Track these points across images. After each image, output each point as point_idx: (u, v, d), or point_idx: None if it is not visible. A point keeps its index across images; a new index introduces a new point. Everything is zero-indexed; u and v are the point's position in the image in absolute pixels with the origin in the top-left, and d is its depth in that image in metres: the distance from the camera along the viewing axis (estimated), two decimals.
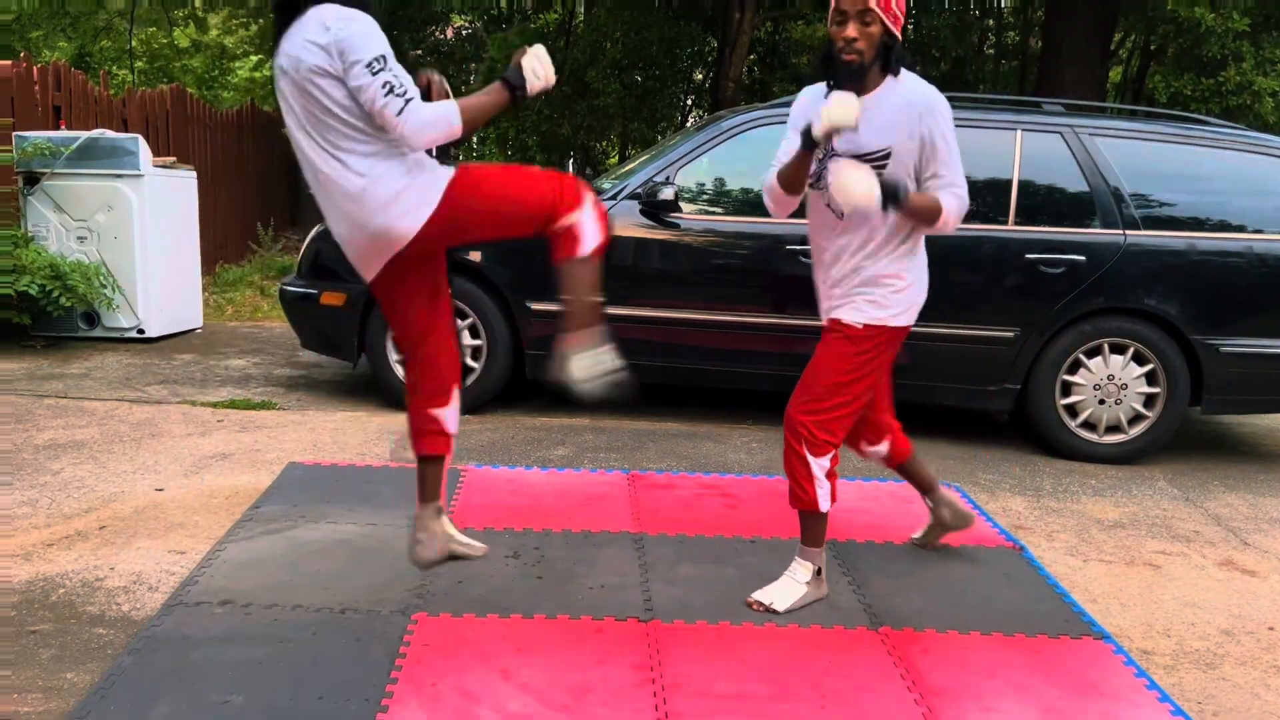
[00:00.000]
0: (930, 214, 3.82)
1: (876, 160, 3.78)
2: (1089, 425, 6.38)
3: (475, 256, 6.41)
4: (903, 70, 3.83)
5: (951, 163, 3.85)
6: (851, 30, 3.66)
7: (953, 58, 19.81)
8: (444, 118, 3.32)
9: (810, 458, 3.90)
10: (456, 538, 4.08)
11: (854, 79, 3.72)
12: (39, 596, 3.83)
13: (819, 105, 3.73)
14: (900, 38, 3.75)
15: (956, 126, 6.47)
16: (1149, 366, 6.28)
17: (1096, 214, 6.30)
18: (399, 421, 6.25)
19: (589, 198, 3.70)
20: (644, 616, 3.86)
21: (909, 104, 3.78)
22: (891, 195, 3.69)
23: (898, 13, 3.70)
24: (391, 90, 3.26)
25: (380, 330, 6.44)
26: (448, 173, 3.50)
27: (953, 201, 3.82)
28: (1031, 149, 6.40)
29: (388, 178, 3.40)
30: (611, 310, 6.40)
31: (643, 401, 7.15)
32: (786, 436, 3.96)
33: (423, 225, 3.45)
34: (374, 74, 3.26)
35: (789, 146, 3.95)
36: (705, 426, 6.71)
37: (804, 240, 6.28)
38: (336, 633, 3.61)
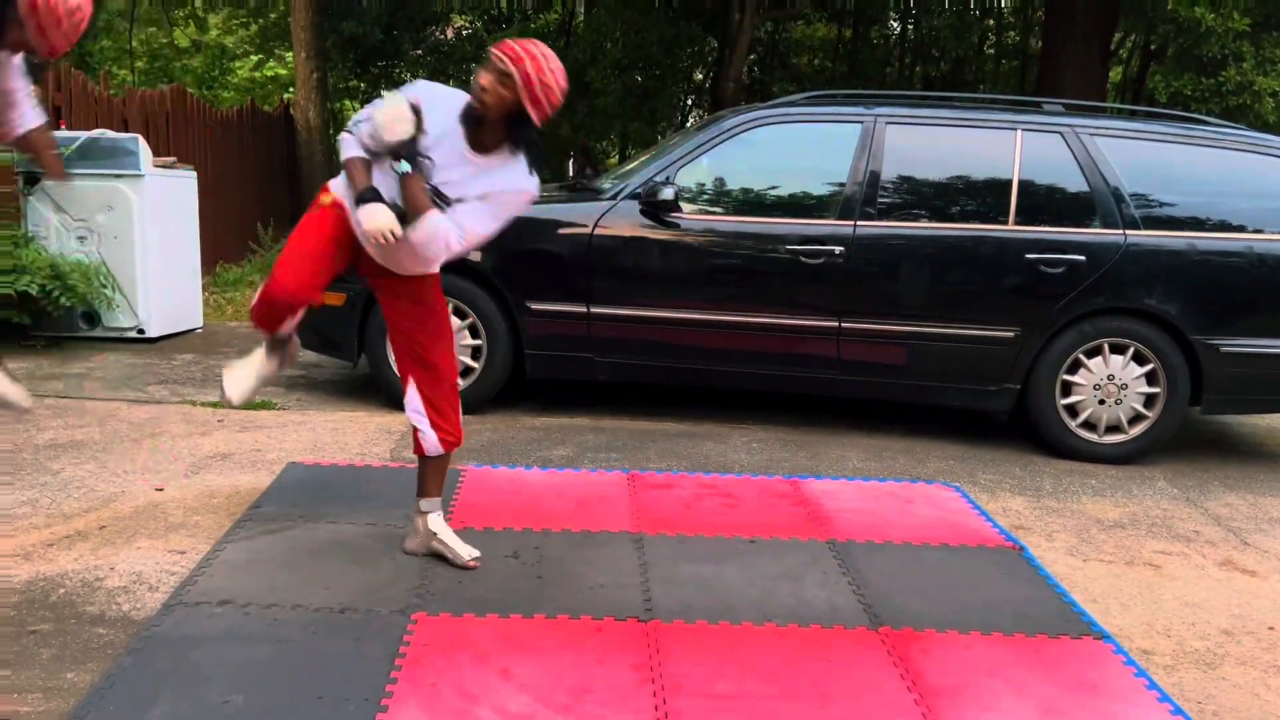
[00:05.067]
0: (416, 205, 3.86)
1: (449, 201, 3.91)
2: (1089, 425, 6.38)
3: (476, 256, 6.40)
4: (522, 159, 3.93)
5: (476, 215, 3.92)
6: (484, 80, 3.76)
7: (953, 58, 19.83)
8: None
9: None
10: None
11: (469, 122, 3.86)
12: (39, 596, 3.83)
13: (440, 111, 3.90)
14: (537, 125, 3.83)
15: (956, 127, 6.53)
16: (1149, 366, 6.28)
17: (1096, 214, 6.30)
18: (399, 421, 6.25)
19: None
20: (644, 616, 3.86)
21: (498, 189, 3.91)
22: (398, 155, 3.84)
23: (542, 98, 3.75)
24: None
25: (379, 331, 6.42)
26: None
27: (441, 222, 3.86)
28: (1032, 149, 6.40)
29: None
30: (613, 310, 6.44)
31: (643, 401, 7.16)
32: None
33: None
34: None
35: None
36: (705, 426, 6.71)
37: (805, 240, 6.32)
38: (336, 633, 3.61)
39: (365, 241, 4.03)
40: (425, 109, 3.87)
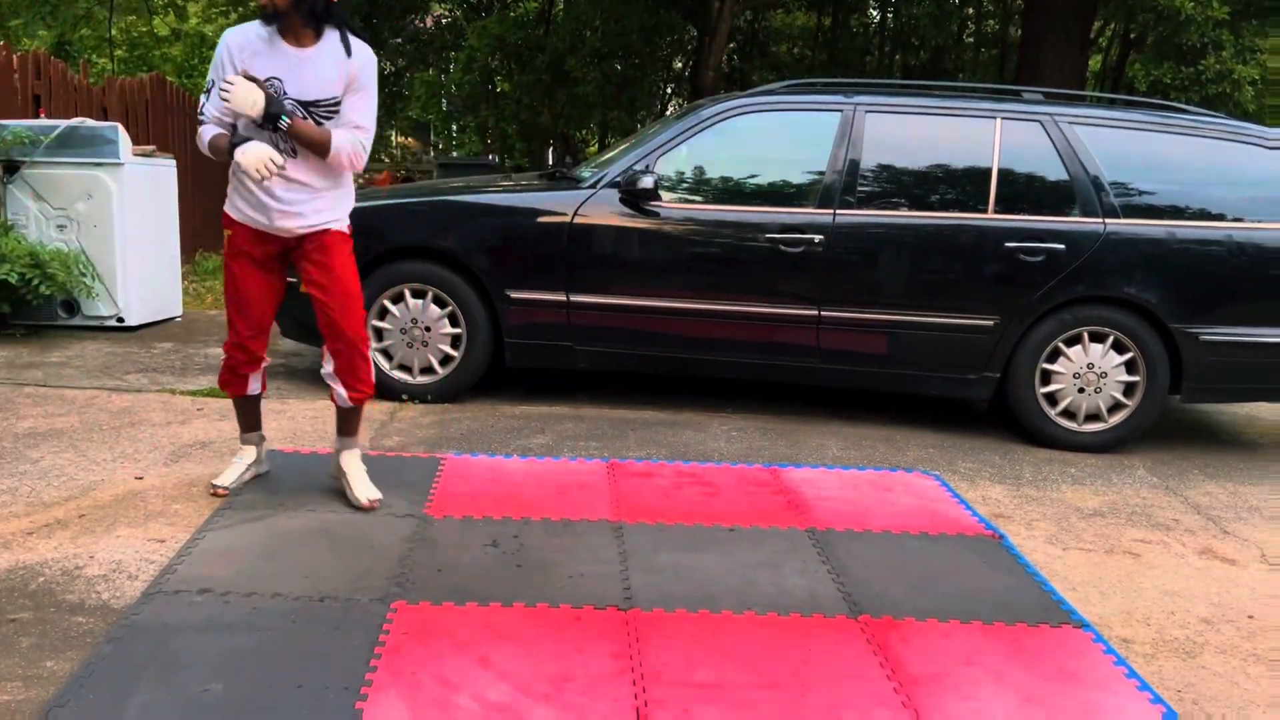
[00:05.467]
0: (312, 138, 4.22)
1: (326, 109, 4.24)
2: (1069, 414, 6.41)
3: (453, 243, 6.39)
4: (335, 35, 4.26)
5: (359, 109, 4.31)
6: None
7: (932, 46, 19.84)
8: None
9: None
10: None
11: (267, 21, 4.18)
12: (18, 585, 3.81)
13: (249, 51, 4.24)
14: None
15: (936, 115, 6.54)
16: (1129, 355, 6.30)
17: (1076, 203, 6.31)
18: (380, 409, 6.25)
19: None
20: (623, 605, 3.87)
21: (339, 62, 4.25)
22: (274, 116, 4.11)
23: None
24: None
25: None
26: None
27: (342, 138, 4.26)
28: (1011, 138, 6.41)
29: None
30: (592, 299, 6.44)
31: (623, 390, 7.16)
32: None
33: None
34: None
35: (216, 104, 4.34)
36: (685, 415, 6.71)
37: (785, 228, 6.32)
38: (316, 621, 3.61)
39: (257, 191, 4.31)
40: (244, 51, 4.22)
